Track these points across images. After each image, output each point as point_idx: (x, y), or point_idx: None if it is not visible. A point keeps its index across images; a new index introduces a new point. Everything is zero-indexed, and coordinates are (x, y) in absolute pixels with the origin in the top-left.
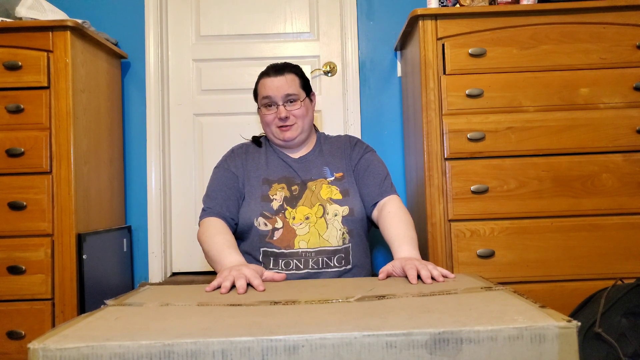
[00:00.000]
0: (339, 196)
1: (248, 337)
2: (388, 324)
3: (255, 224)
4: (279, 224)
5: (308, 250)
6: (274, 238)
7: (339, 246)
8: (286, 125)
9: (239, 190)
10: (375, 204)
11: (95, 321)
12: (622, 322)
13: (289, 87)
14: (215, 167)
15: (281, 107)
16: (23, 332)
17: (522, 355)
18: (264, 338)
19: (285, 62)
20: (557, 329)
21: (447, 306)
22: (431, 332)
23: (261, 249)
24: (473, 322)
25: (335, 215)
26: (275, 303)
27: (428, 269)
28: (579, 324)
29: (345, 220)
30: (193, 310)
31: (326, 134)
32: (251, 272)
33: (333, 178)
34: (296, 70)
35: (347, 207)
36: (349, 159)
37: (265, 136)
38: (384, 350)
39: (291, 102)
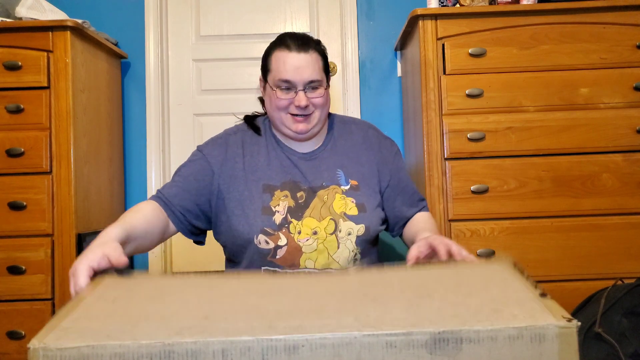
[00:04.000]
0: (354, 212)
1: (248, 337)
2: (387, 316)
3: (255, 242)
4: (283, 241)
5: (314, 270)
6: (277, 257)
7: (348, 268)
8: (302, 115)
9: (207, 189)
10: (407, 222)
11: (94, 305)
12: (623, 322)
13: (314, 70)
14: (197, 150)
15: (301, 94)
16: (23, 332)
17: (522, 354)
18: (264, 338)
19: (306, 35)
20: (557, 329)
21: (446, 288)
22: (431, 332)
23: (262, 268)
24: (473, 321)
25: (349, 235)
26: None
27: (457, 247)
28: (579, 323)
29: (359, 240)
30: (192, 289)
31: (338, 115)
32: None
33: (348, 187)
34: (320, 47)
35: (363, 225)
36: (374, 164)
37: (264, 118)
38: (384, 350)
39: (313, 88)
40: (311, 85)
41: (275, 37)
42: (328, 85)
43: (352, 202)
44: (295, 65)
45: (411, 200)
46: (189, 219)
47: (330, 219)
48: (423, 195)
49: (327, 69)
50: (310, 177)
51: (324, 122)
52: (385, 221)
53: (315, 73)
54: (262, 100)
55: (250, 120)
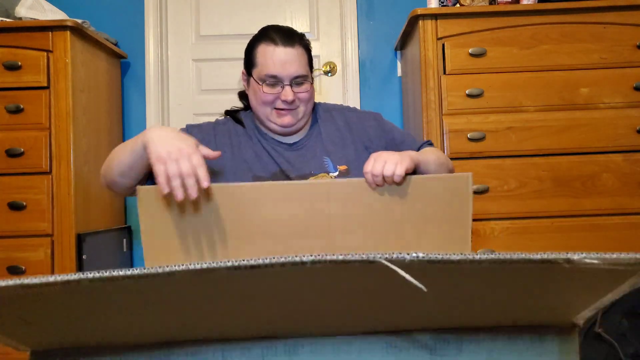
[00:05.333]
0: None
1: (247, 338)
2: None
3: None
4: None
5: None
6: None
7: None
8: (288, 109)
9: None
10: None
11: None
12: (623, 322)
13: (300, 65)
14: (188, 127)
15: (287, 89)
16: None
17: (522, 355)
18: (264, 337)
19: (290, 28)
20: (557, 329)
21: None
22: (432, 332)
23: None
24: (473, 321)
25: None
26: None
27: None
28: (581, 324)
29: None
30: None
31: (323, 105)
32: (192, 150)
33: (337, 173)
34: (305, 42)
35: None
36: (359, 142)
37: (246, 112)
38: (383, 351)
39: (299, 83)
40: (297, 81)
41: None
42: (312, 80)
43: None
44: (282, 59)
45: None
46: None
47: None
48: (427, 140)
49: (311, 64)
50: (297, 165)
51: (309, 116)
52: None
53: (301, 68)
54: (240, 95)
55: (232, 114)
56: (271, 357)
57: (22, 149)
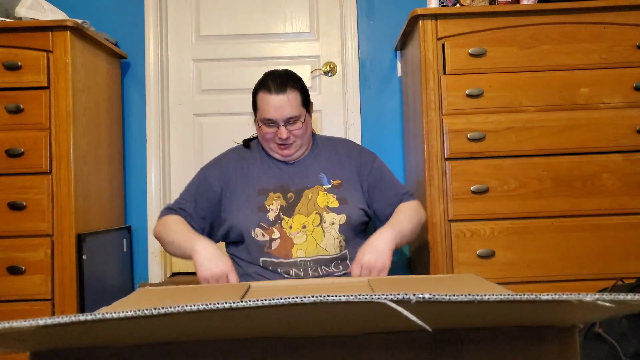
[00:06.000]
0: (335, 204)
1: (247, 337)
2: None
3: (253, 235)
4: (276, 235)
5: (306, 259)
6: (272, 248)
7: (336, 254)
8: (285, 144)
9: (211, 201)
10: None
11: None
12: (623, 322)
13: (291, 108)
14: (201, 170)
15: (282, 128)
16: None
17: (522, 355)
18: (264, 337)
19: (286, 74)
20: (557, 329)
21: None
22: (431, 332)
23: (260, 259)
24: (473, 321)
25: (332, 224)
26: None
27: (369, 268)
28: (582, 325)
29: (342, 228)
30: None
31: (322, 135)
32: (229, 269)
33: (330, 185)
34: (298, 85)
35: (344, 215)
36: (354, 167)
37: (258, 140)
38: (383, 351)
39: (292, 123)
40: (290, 121)
41: (263, 75)
42: (310, 114)
43: (334, 197)
44: (276, 105)
45: (391, 200)
46: (205, 227)
47: (316, 213)
48: (408, 191)
49: (306, 102)
50: (296, 180)
51: (307, 144)
52: (369, 213)
53: (293, 110)
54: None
55: (246, 143)
56: (271, 357)
57: (22, 149)
